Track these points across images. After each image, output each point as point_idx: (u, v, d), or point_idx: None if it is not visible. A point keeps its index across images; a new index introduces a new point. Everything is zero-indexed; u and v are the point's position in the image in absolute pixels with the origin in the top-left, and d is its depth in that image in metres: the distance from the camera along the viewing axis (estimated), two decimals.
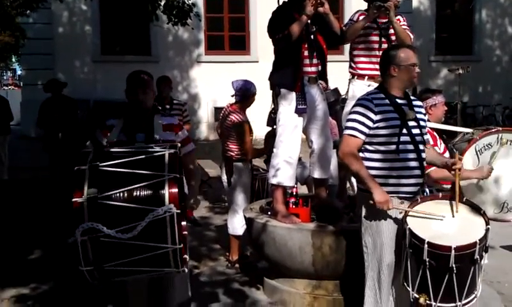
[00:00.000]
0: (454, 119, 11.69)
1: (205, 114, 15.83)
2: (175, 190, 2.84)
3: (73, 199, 2.80)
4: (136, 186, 2.82)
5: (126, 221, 2.77)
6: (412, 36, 5.13)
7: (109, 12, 15.38)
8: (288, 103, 4.70)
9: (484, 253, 3.47)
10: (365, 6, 5.19)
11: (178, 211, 2.82)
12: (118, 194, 2.81)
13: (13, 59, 35.34)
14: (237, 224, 5.77)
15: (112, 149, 3.10)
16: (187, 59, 15.82)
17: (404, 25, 5.12)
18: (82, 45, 15.14)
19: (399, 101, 3.75)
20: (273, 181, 4.80)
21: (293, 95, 4.68)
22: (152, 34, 15.33)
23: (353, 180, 5.27)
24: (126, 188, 2.81)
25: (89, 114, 12.34)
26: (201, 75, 15.66)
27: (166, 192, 2.83)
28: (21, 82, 21.47)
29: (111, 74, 14.45)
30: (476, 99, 17.48)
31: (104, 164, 2.90)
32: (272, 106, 5.00)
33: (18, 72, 36.40)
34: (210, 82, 15.34)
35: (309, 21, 4.64)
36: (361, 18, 5.11)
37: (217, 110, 15.09)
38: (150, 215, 2.76)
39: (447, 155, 4.38)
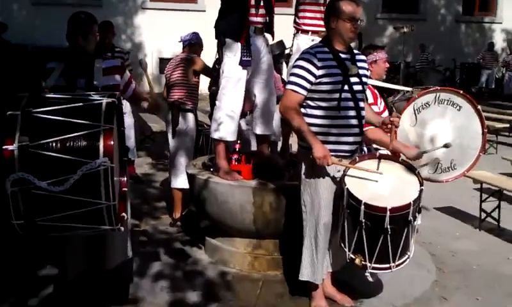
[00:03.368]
0: (397, 79, 11.86)
1: (149, 65, 15.43)
2: (111, 142, 2.70)
3: (4, 147, 2.64)
4: (69, 136, 2.67)
5: (58, 173, 2.64)
6: None
7: None
8: (233, 54, 4.54)
9: (417, 214, 3.53)
10: None
11: (113, 165, 2.69)
12: (51, 144, 2.66)
13: None
14: (181, 176, 5.63)
15: (48, 95, 2.93)
16: (131, 4, 15.28)
17: None
18: None
19: (342, 55, 3.70)
20: (215, 136, 4.66)
21: (238, 46, 4.52)
22: None
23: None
24: (59, 138, 2.66)
25: (28, 60, 11.82)
26: (145, 22, 15.18)
27: (101, 144, 2.69)
28: None
29: (50, 18, 13.83)
30: (419, 59, 17.75)
31: (38, 110, 2.74)
32: (217, 56, 4.87)
33: None
34: (155, 31, 14.90)
35: None
36: None
37: (162, 61, 14.73)
38: (83, 168, 2.63)
39: (386, 113, 4.42)
